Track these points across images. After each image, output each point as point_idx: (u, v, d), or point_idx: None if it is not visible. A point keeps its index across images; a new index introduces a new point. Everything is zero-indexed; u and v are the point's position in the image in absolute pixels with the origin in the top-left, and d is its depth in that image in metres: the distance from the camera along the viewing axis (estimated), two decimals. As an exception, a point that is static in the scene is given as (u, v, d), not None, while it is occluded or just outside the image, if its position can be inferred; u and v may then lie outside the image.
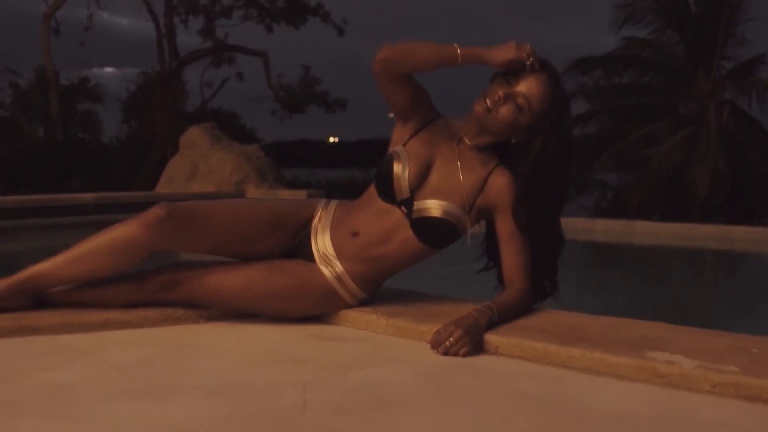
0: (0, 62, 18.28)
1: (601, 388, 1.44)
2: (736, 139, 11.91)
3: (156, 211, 1.84)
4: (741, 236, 6.38)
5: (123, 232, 1.85)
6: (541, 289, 1.94)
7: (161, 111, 15.34)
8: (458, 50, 1.80)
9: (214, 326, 1.90)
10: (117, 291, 1.95)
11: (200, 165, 10.40)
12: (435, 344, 1.66)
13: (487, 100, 1.82)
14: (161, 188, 10.63)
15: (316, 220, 1.99)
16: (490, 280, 2.00)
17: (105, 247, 1.86)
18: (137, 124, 17.19)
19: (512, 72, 1.81)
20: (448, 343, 1.64)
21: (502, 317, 1.76)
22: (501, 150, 1.94)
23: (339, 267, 1.92)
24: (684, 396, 1.39)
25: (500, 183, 1.91)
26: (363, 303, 1.96)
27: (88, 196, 8.57)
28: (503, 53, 1.78)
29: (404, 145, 1.94)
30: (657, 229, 6.99)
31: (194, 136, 10.85)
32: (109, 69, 38.41)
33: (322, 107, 17.62)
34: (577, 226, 7.39)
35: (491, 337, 1.68)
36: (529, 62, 1.77)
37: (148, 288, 1.94)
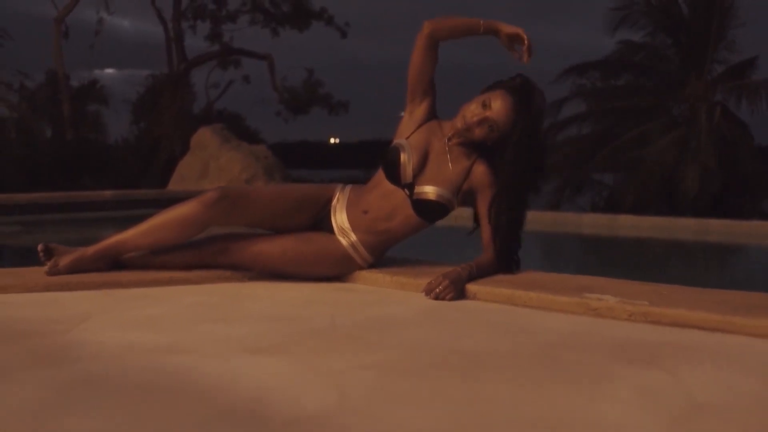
0: (9, 63, 18.74)
1: (549, 317, 1.97)
2: (727, 139, 12.34)
3: (212, 194, 2.37)
4: (716, 228, 6.91)
5: (185, 209, 2.38)
6: (509, 257, 2.44)
7: (169, 113, 15.88)
8: (481, 22, 2.40)
9: (257, 284, 2.43)
10: (179, 256, 2.48)
11: (211, 164, 10.93)
12: (427, 291, 2.19)
13: (466, 122, 2.36)
14: (174, 186, 11.17)
15: (335, 200, 2.52)
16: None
17: (171, 222, 2.39)
18: (146, 125, 17.70)
19: (489, 93, 2.34)
20: (438, 290, 2.16)
21: (480, 273, 2.29)
22: (481, 145, 2.46)
23: (353, 238, 2.44)
24: (608, 321, 1.92)
25: (481, 171, 2.44)
26: (372, 266, 2.49)
27: (107, 193, 9.11)
28: (512, 28, 2.39)
29: (407, 138, 2.47)
30: (639, 222, 7.52)
31: (204, 136, 11.39)
32: (109, 70, 38.83)
33: (325, 109, 18.16)
34: (566, 220, 7.93)
35: (471, 287, 2.20)
36: (525, 45, 2.37)
37: (204, 254, 2.47)
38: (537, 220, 7.73)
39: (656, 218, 7.67)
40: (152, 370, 1.45)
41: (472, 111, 2.36)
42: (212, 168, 10.91)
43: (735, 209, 11.54)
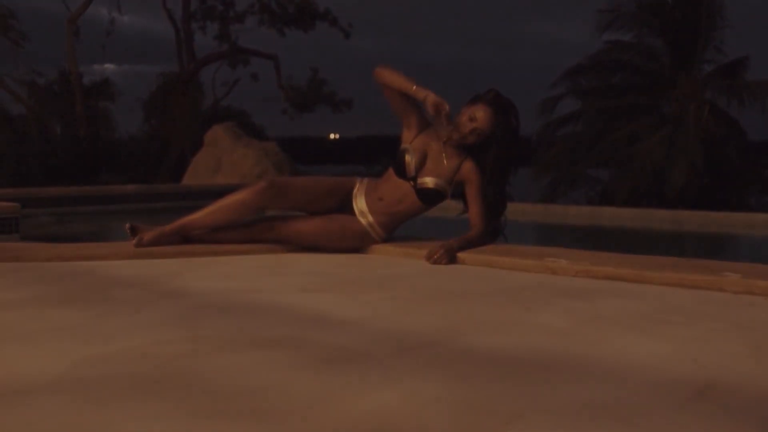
0: (23, 61, 19.33)
1: (517, 275, 2.68)
2: (715, 137, 12.95)
3: (262, 183, 3.08)
4: (689, 219, 7.62)
5: (241, 196, 3.08)
6: (492, 233, 3.17)
7: (180, 111, 16.56)
8: (414, 87, 3.02)
9: (296, 254, 3.14)
10: (235, 233, 3.19)
11: (224, 160, 11.63)
12: (428, 257, 2.90)
13: (460, 132, 3.06)
14: (188, 180, 11.87)
15: (355, 189, 3.22)
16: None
17: (229, 205, 3.10)
18: (157, 123, 18.36)
19: (473, 107, 3.04)
20: (436, 257, 2.87)
21: (469, 245, 3.00)
22: (469, 146, 3.17)
23: (370, 218, 3.15)
24: (560, 277, 2.62)
25: (468, 167, 3.15)
26: (385, 241, 3.20)
27: (131, 188, 9.80)
28: (437, 98, 2.97)
29: (410, 143, 3.18)
30: (620, 213, 8.24)
31: (217, 133, 12.08)
32: (108, 65, 39.27)
33: (329, 107, 18.83)
34: (554, 212, 8.64)
35: (461, 255, 2.91)
36: (444, 112, 2.97)
37: (254, 231, 3.18)
38: (530, 211, 8.43)
39: (635, 209, 8.38)
40: (242, 301, 2.16)
41: (463, 124, 3.07)
42: (225, 164, 11.60)
43: (722, 203, 12.06)
